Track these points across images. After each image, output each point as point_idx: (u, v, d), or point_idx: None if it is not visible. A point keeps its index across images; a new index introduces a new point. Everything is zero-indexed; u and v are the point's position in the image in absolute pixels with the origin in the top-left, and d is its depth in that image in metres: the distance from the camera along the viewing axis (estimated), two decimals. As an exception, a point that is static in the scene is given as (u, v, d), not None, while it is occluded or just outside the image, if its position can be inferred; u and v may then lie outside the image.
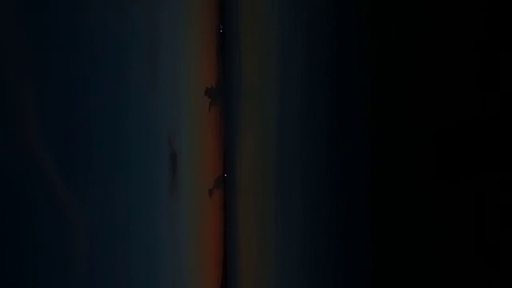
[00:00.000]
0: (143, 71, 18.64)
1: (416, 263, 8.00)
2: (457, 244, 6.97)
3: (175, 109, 20.56)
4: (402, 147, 8.67)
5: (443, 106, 7.40)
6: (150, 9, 18.50)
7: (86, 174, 15.82)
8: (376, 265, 9.56)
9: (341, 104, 11.71)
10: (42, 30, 13.58)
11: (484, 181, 6.49)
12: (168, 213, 20.12)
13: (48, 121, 14.08)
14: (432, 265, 7.54)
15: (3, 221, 12.66)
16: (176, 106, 20.62)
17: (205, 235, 21.73)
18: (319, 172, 13.15)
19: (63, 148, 14.87)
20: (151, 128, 19.44)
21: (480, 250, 6.49)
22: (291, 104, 15.43)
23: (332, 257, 12.20)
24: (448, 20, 7.36)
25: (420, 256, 7.89)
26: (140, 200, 18.74)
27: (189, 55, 20.90)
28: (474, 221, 6.65)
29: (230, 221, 21.53)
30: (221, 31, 21.60)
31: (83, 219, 15.20)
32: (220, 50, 21.66)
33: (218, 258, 21.70)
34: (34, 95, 13.40)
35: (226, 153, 22.06)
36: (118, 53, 16.96)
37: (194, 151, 21.54)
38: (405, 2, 8.65)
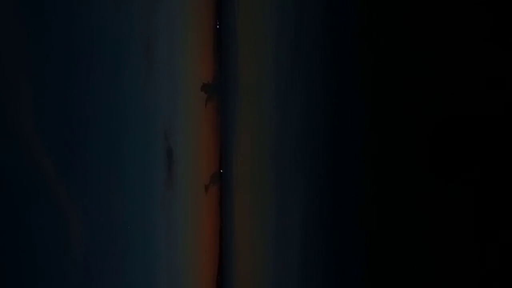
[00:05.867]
0: (140, 66, 18.62)
1: (413, 261, 8.09)
2: (453, 242, 7.06)
3: (172, 104, 20.55)
4: (399, 145, 8.74)
5: (438, 104, 7.47)
6: (147, 6, 18.48)
7: (83, 169, 15.82)
8: (373, 264, 9.64)
9: (337, 101, 11.76)
10: (39, 28, 13.56)
11: (479, 179, 6.57)
12: (165, 209, 20.16)
13: (46, 117, 14.07)
14: (429, 262, 7.63)
15: (2, 218, 12.69)
16: (173, 102, 20.61)
17: (201, 231, 21.77)
18: (315, 167, 13.21)
19: (60, 144, 14.86)
20: (147, 123, 19.44)
21: (477, 249, 6.57)
22: (287, 100, 15.48)
23: (328, 253, 12.28)
24: (441, 20, 7.43)
25: (418, 255, 7.97)
26: (137, 196, 18.75)
27: (186, 51, 20.88)
28: (470, 219, 6.72)
29: (226, 217, 21.58)
30: (218, 27, 21.62)
31: (80, 215, 15.24)
32: (217, 46, 21.68)
33: (214, 254, 21.76)
34: (31, 92, 13.40)
35: (222, 148, 22.12)
36: (115, 49, 16.93)
37: (190, 146, 21.56)
38: (400, 2, 8.71)
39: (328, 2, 12.48)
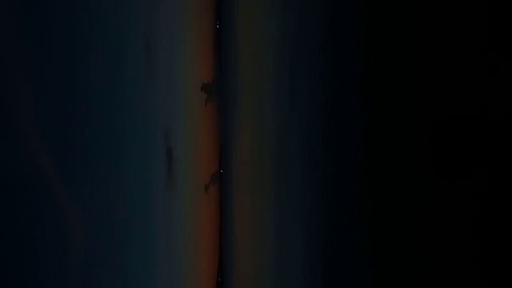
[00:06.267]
0: (140, 67, 18.64)
1: (413, 261, 8.09)
2: (454, 242, 7.05)
3: (172, 104, 20.57)
4: (398, 145, 8.74)
5: (438, 104, 7.47)
6: (147, 6, 18.51)
7: (83, 169, 15.84)
8: (373, 263, 9.64)
9: (337, 101, 11.76)
10: (39, 27, 13.58)
11: (479, 178, 6.57)
12: (165, 208, 20.18)
13: (46, 117, 14.09)
14: (429, 262, 7.63)
15: (2, 218, 12.70)
16: (173, 102, 20.63)
17: (201, 231, 21.79)
18: (315, 167, 13.21)
19: (61, 144, 14.88)
20: (147, 123, 19.46)
21: (477, 249, 6.57)
22: (287, 100, 15.47)
23: (328, 253, 12.28)
24: (442, 20, 7.43)
25: (418, 254, 7.97)
26: (137, 196, 18.77)
27: (186, 51, 20.89)
28: (471, 219, 6.72)
29: (226, 217, 21.59)
30: (218, 27, 21.64)
31: (80, 215, 15.25)
32: (217, 46, 21.69)
33: (214, 254, 21.78)
34: (31, 92, 13.42)
35: (222, 148, 22.13)
36: (115, 49, 16.96)
37: (190, 146, 21.57)
38: (401, 3, 8.71)
39: (328, 2, 12.47)
